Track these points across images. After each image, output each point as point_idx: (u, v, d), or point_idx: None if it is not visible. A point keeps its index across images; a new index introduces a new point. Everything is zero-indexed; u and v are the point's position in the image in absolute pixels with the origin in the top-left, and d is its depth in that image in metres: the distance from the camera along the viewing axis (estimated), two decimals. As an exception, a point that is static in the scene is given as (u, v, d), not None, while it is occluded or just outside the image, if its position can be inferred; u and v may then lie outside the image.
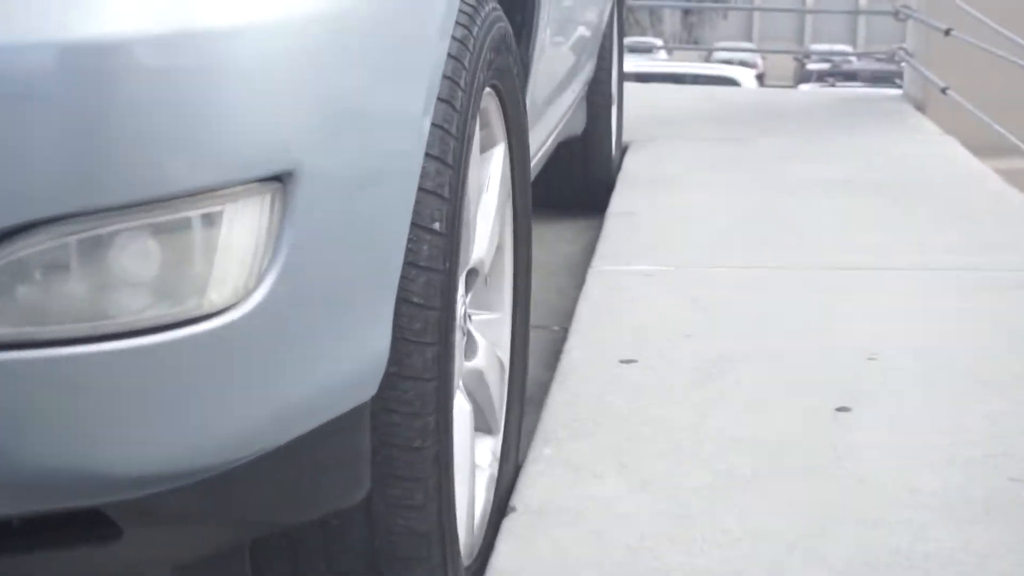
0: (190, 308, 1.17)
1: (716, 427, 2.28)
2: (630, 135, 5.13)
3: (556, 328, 3.18)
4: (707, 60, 26.93)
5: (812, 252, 3.43)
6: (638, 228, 3.71)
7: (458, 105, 1.63)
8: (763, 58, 29.14)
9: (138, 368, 1.17)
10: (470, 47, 1.69)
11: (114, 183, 1.15)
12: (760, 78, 23.12)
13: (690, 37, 33.48)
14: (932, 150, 4.88)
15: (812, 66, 24.14)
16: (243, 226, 1.19)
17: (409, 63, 1.43)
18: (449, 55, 1.62)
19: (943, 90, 5.19)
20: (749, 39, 39.06)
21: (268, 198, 1.20)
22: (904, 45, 6.19)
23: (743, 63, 25.01)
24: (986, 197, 4.08)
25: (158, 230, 1.16)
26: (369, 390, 1.43)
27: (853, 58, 28.86)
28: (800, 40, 39.17)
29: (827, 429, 2.27)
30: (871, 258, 3.36)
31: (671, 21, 34.14)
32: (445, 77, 1.61)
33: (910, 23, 6.12)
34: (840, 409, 2.35)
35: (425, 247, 1.55)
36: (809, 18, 39.75)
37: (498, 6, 1.92)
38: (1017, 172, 4.52)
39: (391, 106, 1.39)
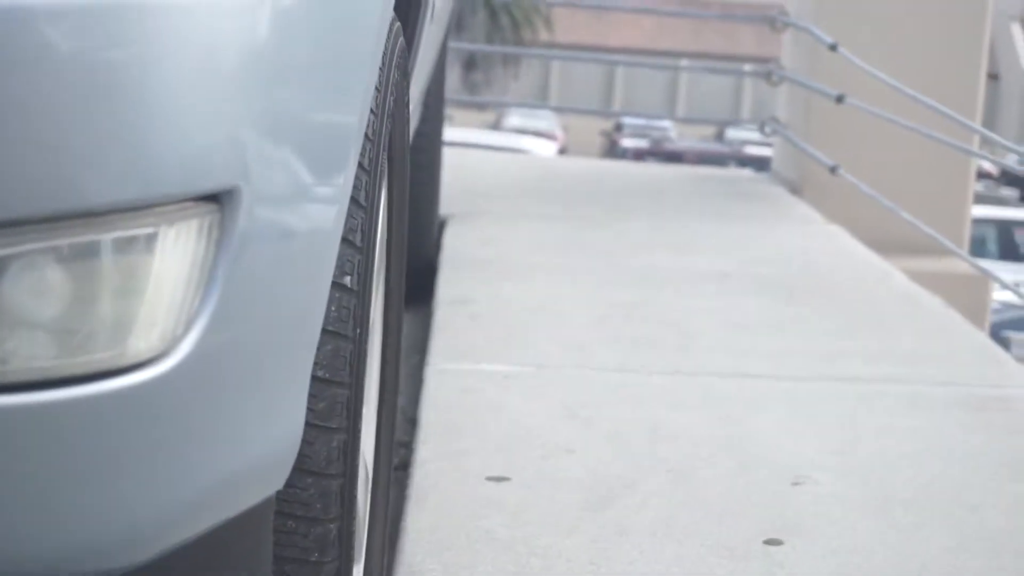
0: (109, 357, 1.18)
1: (625, 560, 2.34)
2: (444, 207, 5.22)
3: (383, 441, 3.21)
4: (494, 128, 27.40)
5: (700, 357, 3.55)
6: (480, 320, 3.78)
7: (370, 131, 1.67)
8: (564, 130, 29.79)
9: (33, 432, 1.17)
10: (385, 60, 1.74)
11: (11, 190, 1.16)
12: (561, 154, 23.64)
13: (472, 100, 33.96)
14: (821, 242, 5.10)
15: (627, 142, 24.80)
16: (176, 255, 1.20)
17: (352, 59, 1.47)
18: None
19: (832, 169, 5.44)
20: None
21: (207, 222, 1.22)
22: (776, 115, 6.46)
23: (540, 134, 25.52)
24: (897, 299, 4.29)
25: (77, 254, 1.16)
26: (279, 479, 1.45)
27: (672, 134, 29.83)
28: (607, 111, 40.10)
29: (759, 566, 2.35)
30: (771, 366, 3.49)
31: (448, 80, 34.63)
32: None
33: (784, 87, 6.40)
34: (769, 542, 2.44)
35: (333, 307, 1.58)
36: (620, 82, 40.87)
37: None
38: (925, 275, 4.75)
39: (333, 114, 1.42)
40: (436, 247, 4.68)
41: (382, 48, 1.62)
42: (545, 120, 30.34)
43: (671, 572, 2.32)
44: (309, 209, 1.39)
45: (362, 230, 1.62)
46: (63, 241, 1.16)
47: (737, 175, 7.38)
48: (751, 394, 3.27)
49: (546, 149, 20.77)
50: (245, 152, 1.25)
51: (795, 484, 2.70)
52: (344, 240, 1.59)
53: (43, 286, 1.16)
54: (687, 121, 34.44)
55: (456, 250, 4.65)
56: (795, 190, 6.17)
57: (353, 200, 1.61)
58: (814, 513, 2.58)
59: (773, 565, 2.36)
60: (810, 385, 3.37)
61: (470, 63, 33.94)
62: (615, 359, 3.48)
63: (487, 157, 7.85)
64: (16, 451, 1.16)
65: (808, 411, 3.17)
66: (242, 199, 1.25)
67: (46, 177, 1.15)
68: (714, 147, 25.39)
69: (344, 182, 1.47)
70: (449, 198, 5.42)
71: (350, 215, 1.60)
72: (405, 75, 2.00)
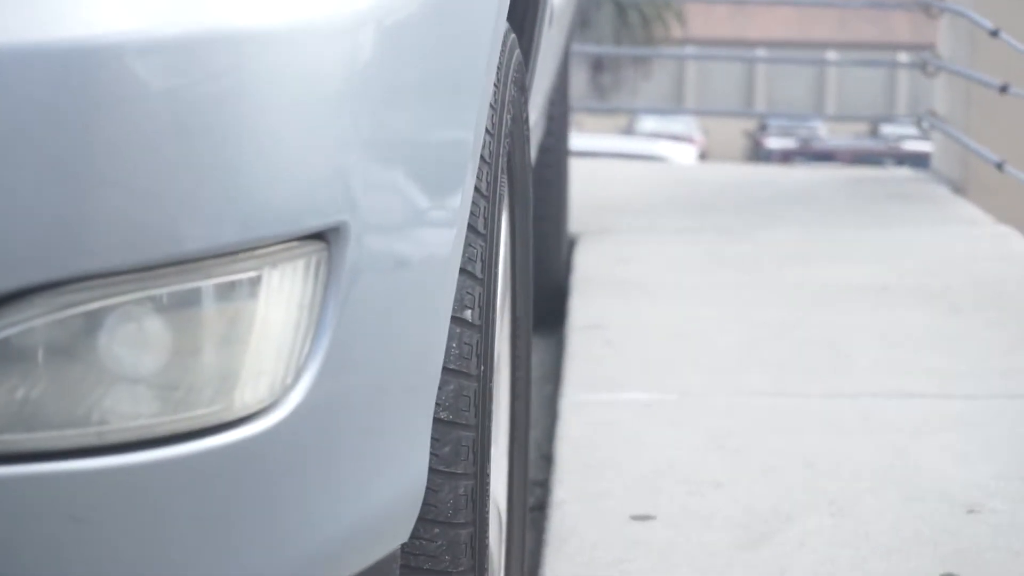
0: (215, 411, 1.19)
1: (784, 604, 2.33)
2: (574, 224, 5.23)
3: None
4: (627, 133, 27.37)
5: (859, 378, 3.52)
6: (616, 346, 3.78)
7: (486, 153, 1.68)
8: (704, 132, 29.73)
9: (136, 496, 1.19)
10: (499, 76, 1.75)
11: (105, 239, 1.18)
12: (702, 159, 23.59)
13: (600, 107, 34.00)
14: (989, 246, 5.04)
15: (773, 143, 24.70)
16: (282, 298, 1.22)
17: (463, 78, 1.48)
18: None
19: (999, 165, 5.37)
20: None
21: (313, 261, 1.24)
22: (933, 108, 6.40)
23: (677, 138, 25.47)
24: (1076, 306, 4.22)
25: (177, 303, 1.18)
26: (403, 532, 1.45)
27: (821, 132, 29.68)
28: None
29: (933, 606, 2.33)
30: (938, 385, 3.46)
31: (576, 83, 34.62)
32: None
33: (942, 78, 6.33)
34: (946, 578, 2.42)
35: (454, 344, 1.59)
36: (761, 78, 40.72)
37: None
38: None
39: (444, 137, 1.43)
40: (566, 268, 4.68)
41: (496, 63, 1.63)
42: (682, 122, 30.28)
43: (835, 616, 2.30)
44: (423, 240, 1.40)
45: (482, 259, 1.63)
46: (161, 290, 1.18)
47: (893, 175, 7.32)
48: (917, 417, 3.24)
49: (684, 154, 20.72)
50: (351, 185, 1.26)
51: (970, 512, 2.67)
52: (463, 271, 1.60)
53: (142, 339, 1.18)
54: (837, 118, 34.22)
55: (588, 270, 4.65)
56: (958, 189, 6.10)
57: (471, 227, 1.62)
58: (993, 545, 2.55)
59: (949, 605, 2.34)
60: (982, 404, 3.33)
61: (597, 64, 33.94)
62: (765, 384, 3.46)
63: (620, 166, 7.84)
64: (118, 517, 1.18)
65: (981, 433, 3.13)
66: (350, 234, 1.26)
67: (140, 223, 1.17)
68: (868, 144, 25.21)
69: (460, 208, 1.48)
70: (579, 214, 5.42)
71: (468, 244, 1.61)
72: (522, 90, 2.01)
